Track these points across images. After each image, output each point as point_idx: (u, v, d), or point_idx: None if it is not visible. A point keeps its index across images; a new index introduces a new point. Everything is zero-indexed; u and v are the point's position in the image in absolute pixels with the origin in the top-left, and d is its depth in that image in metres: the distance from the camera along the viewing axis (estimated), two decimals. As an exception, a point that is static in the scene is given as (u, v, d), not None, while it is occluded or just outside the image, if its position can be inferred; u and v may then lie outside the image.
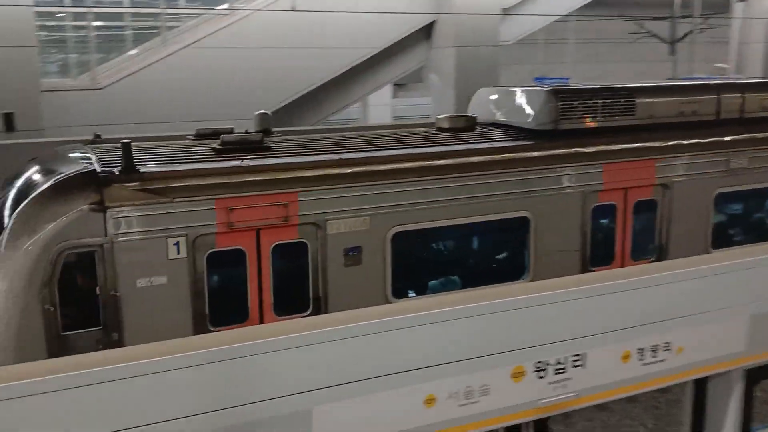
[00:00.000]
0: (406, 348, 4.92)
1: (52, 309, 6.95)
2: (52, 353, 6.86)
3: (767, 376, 6.68)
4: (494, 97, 10.77)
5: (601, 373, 5.67)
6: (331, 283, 8.19)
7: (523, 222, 9.21)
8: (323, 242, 8.10)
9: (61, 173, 7.38)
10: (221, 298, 7.78)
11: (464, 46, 19.77)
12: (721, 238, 10.65)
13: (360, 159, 8.57)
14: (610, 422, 7.69)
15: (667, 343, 5.90)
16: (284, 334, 4.54)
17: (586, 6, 23.97)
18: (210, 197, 7.58)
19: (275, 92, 18.14)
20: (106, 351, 5.11)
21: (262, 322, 7.89)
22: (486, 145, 9.42)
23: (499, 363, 5.23)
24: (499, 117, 10.42)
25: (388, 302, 8.43)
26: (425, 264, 9.20)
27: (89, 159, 7.75)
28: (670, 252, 10.08)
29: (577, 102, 9.75)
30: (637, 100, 10.09)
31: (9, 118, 14.97)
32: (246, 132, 9.19)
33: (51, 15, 18.45)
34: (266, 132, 9.41)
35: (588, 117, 9.82)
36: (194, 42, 17.60)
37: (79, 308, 7.16)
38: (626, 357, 5.76)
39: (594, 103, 9.84)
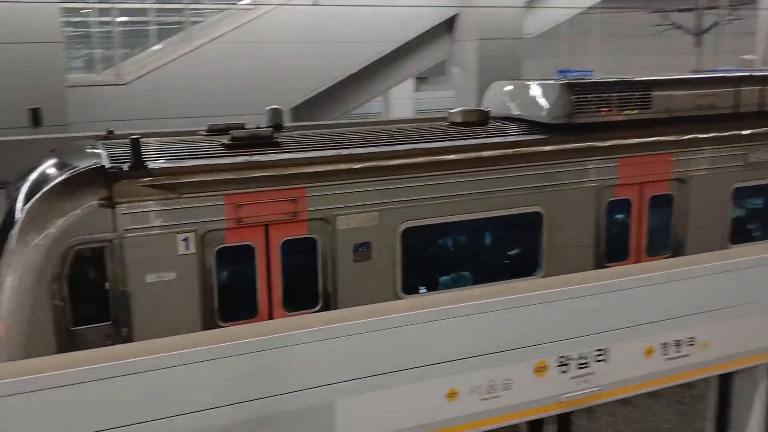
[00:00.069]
0: (429, 342, 4.91)
1: (61, 304, 7.04)
2: (62, 348, 6.96)
3: None
4: (508, 90, 10.65)
5: (624, 367, 5.63)
6: (340, 279, 8.16)
7: (536, 217, 9.11)
8: (332, 238, 8.08)
9: (71, 169, 7.44)
10: (230, 294, 7.80)
11: (487, 39, 19.63)
12: (740, 233, 10.46)
13: (370, 154, 8.53)
14: (634, 417, 7.65)
15: (691, 338, 5.84)
16: (307, 328, 4.55)
17: (609, -3, 23.77)
18: (219, 193, 7.60)
19: (297, 87, 18.21)
20: (126, 344, 5.12)
21: (271, 317, 7.91)
22: (499, 139, 9.32)
23: (522, 357, 5.20)
24: (513, 111, 10.31)
25: (397, 298, 8.38)
26: (436, 260, 9.14)
27: (99, 155, 7.82)
28: (687, 248, 9.92)
29: (592, 95, 9.61)
30: (654, 94, 9.92)
31: (36, 114, 15.16)
32: (257, 127, 9.20)
33: (76, 11, 18.67)
34: (277, 127, 9.41)
35: (603, 111, 9.67)
36: (218, 37, 17.70)
37: (89, 303, 7.23)
38: (649, 352, 5.70)
39: (609, 96, 9.70)
